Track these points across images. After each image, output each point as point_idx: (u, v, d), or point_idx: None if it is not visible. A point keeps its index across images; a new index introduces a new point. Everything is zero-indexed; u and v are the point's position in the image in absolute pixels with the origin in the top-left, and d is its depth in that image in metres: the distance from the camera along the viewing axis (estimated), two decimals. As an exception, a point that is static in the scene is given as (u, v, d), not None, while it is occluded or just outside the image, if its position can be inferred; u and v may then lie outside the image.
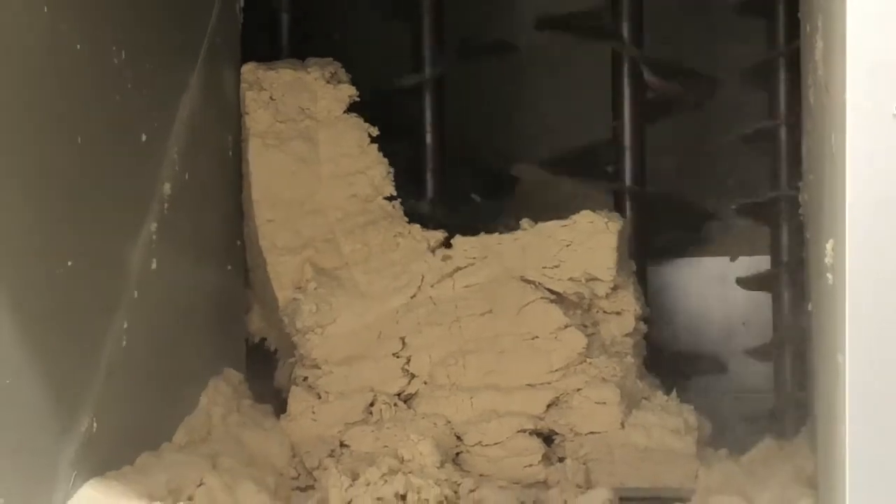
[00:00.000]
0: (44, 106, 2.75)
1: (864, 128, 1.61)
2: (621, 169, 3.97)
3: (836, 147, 1.72)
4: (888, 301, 1.62)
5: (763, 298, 3.91)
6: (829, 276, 1.86)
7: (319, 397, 3.55)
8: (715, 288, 4.17)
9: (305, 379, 3.58)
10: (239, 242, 3.71)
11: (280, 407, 3.58)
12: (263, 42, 3.95)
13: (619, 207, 3.90)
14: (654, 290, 3.99)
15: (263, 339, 3.76)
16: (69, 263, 2.82)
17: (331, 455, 3.40)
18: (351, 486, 3.14)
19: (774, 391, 3.75)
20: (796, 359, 3.57)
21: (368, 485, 3.12)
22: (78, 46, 2.86)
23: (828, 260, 1.85)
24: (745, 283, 3.98)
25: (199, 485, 3.04)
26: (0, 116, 2.58)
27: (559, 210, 3.64)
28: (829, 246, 1.83)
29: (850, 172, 1.62)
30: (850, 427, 1.65)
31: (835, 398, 1.78)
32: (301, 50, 3.97)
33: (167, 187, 3.28)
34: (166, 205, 3.27)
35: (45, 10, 2.71)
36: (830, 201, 1.87)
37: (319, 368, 3.57)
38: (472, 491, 3.16)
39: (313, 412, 3.52)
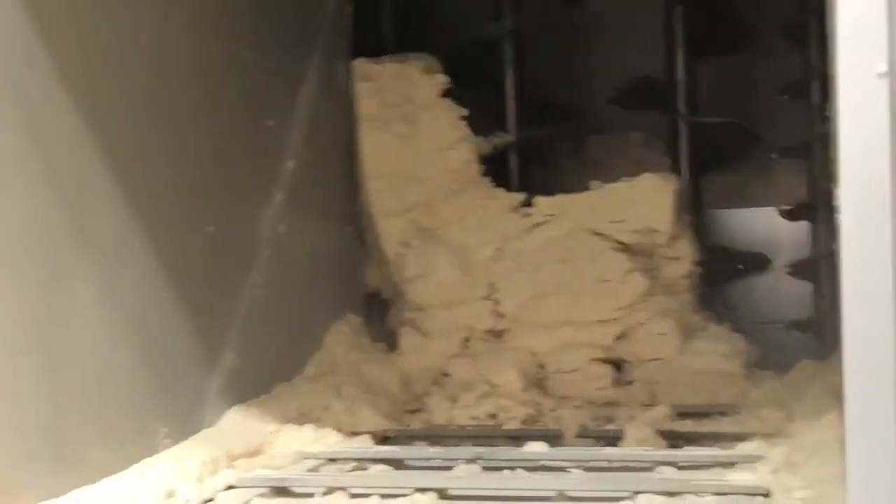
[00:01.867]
0: (187, 99, 2.80)
1: (853, 86, 1.61)
2: (675, 100, 3.83)
3: (833, 103, 1.71)
4: (875, 241, 1.62)
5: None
6: (838, 216, 1.85)
7: (424, 335, 3.57)
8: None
9: (412, 320, 3.61)
10: (355, 208, 3.72)
11: (392, 344, 3.62)
12: (370, 33, 3.89)
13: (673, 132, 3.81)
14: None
15: (378, 289, 3.77)
16: (210, 228, 2.87)
17: (435, 383, 3.43)
18: (451, 408, 3.21)
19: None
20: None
21: (465, 407, 3.19)
22: (213, 49, 2.90)
23: (836, 203, 1.84)
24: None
25: (326, 408, 3.09)
26: (155, 108, 2.65)
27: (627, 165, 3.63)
28: (837, 191, 1.82)
29: (842, 126, 1.62)
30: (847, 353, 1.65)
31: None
32: (403, 40, 3.95)
33: (291, 163, 3.29)
34: (292, 178, 3.29)
35: (188, 20, 2.79)
36: (835, 151, 1.86)
37: (424, 311, 3.60)
38: (552, 410, 3.21)
39: (420, 348, 3.55)
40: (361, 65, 3.70)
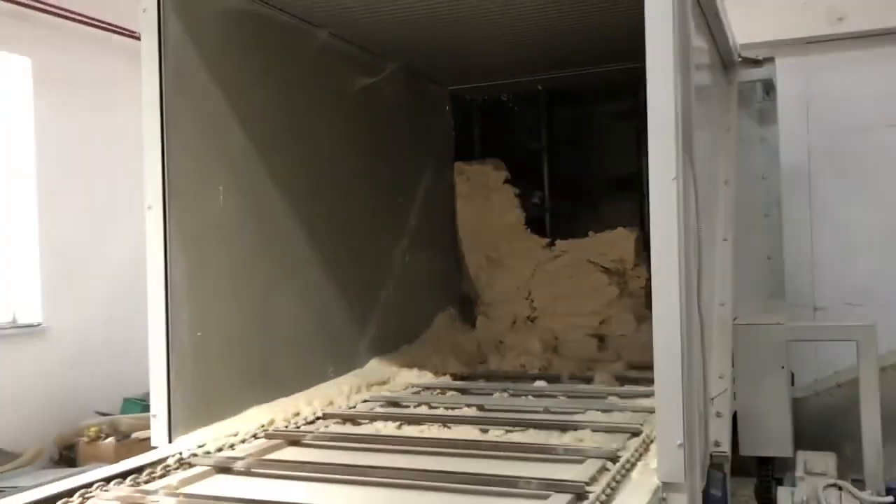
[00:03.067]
0: (346, 187, 3.00)
1: (658, 184, 1.74)
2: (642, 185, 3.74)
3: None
4: (668, 270, 1.82)
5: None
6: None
7: (490, 320, 3.77)
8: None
9: (484, 311, 3.81)
10: (454, 247, 3.86)
11: (473, 325, 3.77)
12: (465, 145, 3.98)
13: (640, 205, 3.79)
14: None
15: (467, 293, 3.89)
16: (363, 260, 3.10)
17: (495, 347, 3.61)
18: (501, 360, 3.44)
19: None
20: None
21: (508, 360, 3.41)
22: (359, 162, 3.06)
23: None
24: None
25: (428, 360, 3.30)
26: (328, 190, 2.85)
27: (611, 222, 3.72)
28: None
29: (653, 207, 1.77)
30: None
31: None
32: (485, 148, 4.05)
33: (413, 222, 3.44)
34: (413, 230, 3.42)
35: (348, 143, 3.00)
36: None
37: (490, 306, 3.80)
38: (558, 363, 3.38)
39: (487, 327, 3.74)
40: (459, 165, 3.91)
